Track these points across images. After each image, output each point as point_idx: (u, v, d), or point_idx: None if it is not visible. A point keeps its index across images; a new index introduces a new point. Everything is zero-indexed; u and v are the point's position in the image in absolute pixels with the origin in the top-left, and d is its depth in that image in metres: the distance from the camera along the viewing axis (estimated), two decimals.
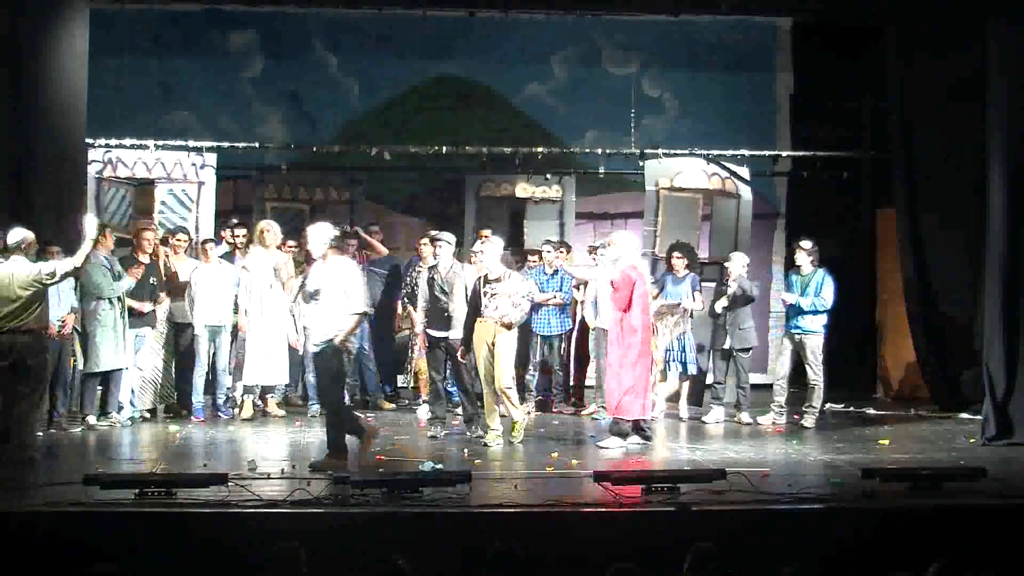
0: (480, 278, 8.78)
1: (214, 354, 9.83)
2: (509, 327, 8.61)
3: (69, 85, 9.35)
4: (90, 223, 7.91)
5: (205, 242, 10.16)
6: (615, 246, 8.63)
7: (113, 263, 9.33)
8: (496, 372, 8.59)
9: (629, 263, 8.54)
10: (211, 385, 9.92)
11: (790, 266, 10.57)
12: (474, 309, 8.68)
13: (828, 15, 12.00)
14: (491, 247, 8.84)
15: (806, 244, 9.90)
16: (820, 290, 9.65)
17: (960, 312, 10.63)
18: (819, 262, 9.84)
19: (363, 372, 10.70)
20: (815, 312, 9.66)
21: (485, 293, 8.63)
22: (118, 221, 10.67)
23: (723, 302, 9.88)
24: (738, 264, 9.99)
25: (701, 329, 10.20)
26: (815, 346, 9.68)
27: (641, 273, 8.70)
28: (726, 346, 9.95)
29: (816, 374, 9.65)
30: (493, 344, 8.60)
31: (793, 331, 9.76)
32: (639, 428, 8.51)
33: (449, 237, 9.13)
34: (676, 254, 10.10)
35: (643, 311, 8.49)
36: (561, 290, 10.52)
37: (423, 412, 10.13)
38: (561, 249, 10.77)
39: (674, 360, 9.97)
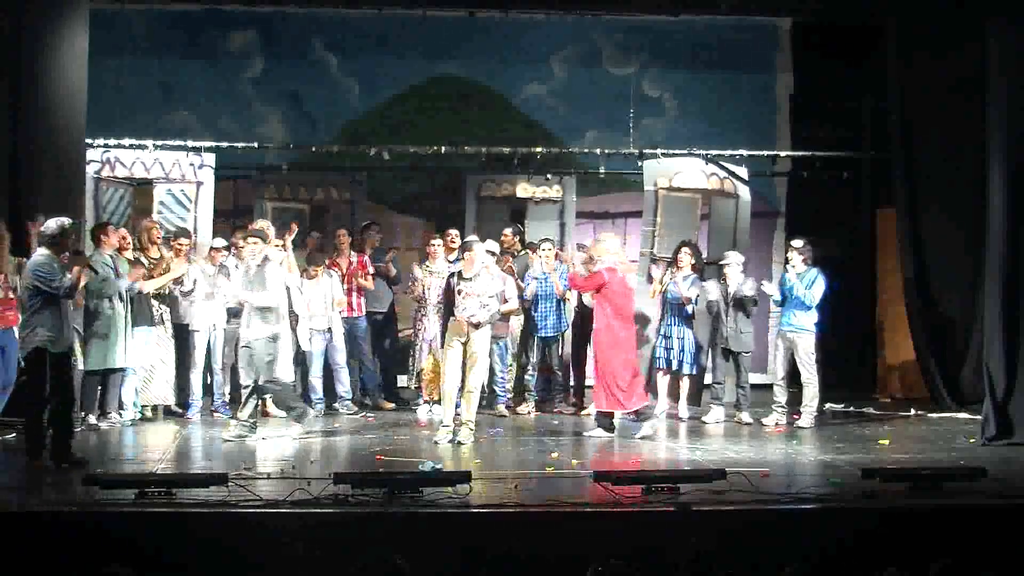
0: (454, 276, 8.79)
1: (210, 354, 9.85)
2: (477, 327, 8.64)
3: (69, 85, 9.35)
4: None
5: (215, 249, 10.14)
6: (600, 250, 9.16)
7: (117, 262, 9.32)
8: (468, 372, 8.63)
9: (606, 265, 8.96)
10: (209, 386, 9.93)
11: None
12: (447, 306, 8.74)
13: (828, 15, 12.03)
14: (481, 247, 8.90)
15: (797, 243, 9.97)
16: (811, 286, 9.65)
17: (960, 312, 10.63)
18: (812, 261, 9.85)
19: (363, 371, 10.72)
20: (805, 309, 9.66)
21: (459, 292, 8.65)
22: (116, 221, 10.65)
23: (710, 293, 9.93)
24: (735, 264, 9.99)
25: (700, 329, 10.21)
26: (807, 345, 9.68)
27: (622, 278, 9.09)
28: (725, 347, 9.95)
29: (810, 373, 9.66)
30: (467, 343, 8.63)
31: (786, 330, 9.77)
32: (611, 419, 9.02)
33: (262, 235, 8.97)
34: (685, 250, 10.14)
35: (627, 312, 9.05)
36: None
37: (423, 412, 10.15)
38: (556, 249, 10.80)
39: (675, 359, 10.01)
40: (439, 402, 10.19)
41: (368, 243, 10.92)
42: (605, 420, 9.06)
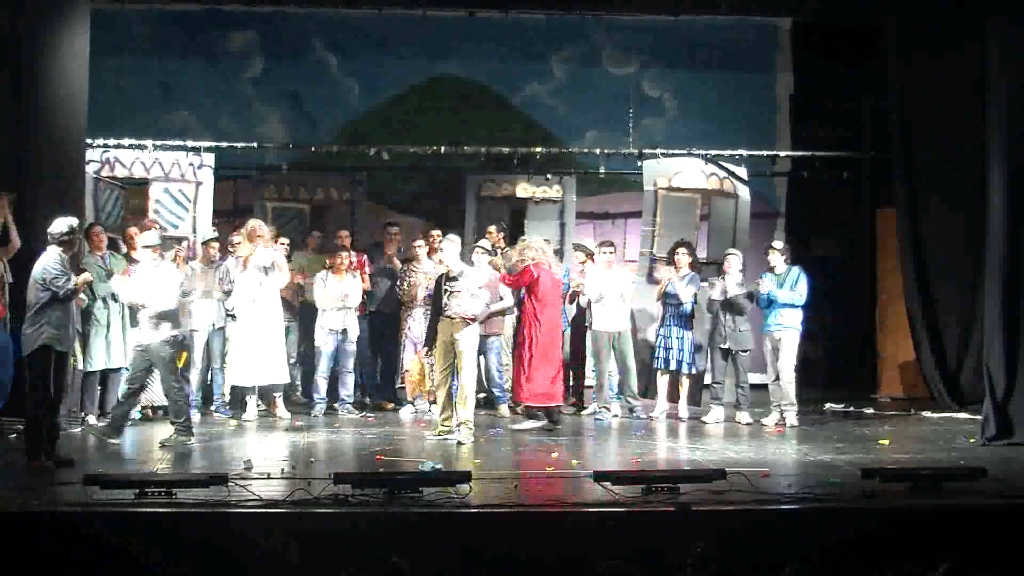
0: (441, 276, 8.88)
1: (209, 355, 9.86)
2: (474, 320, 8.75)
3: (69, 85, 9.35)
4: None
5: (206, 243, 10.15)
6: (527, 247, 9.50)
7: (112, 263, 9.32)
8: (460, 369, 8.69)
9: (533, 260, 9.24)
10: (208, 386, 9.93)
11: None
12: (436, 308, 8.82)
13: (828, 15, 12.03)
14: (450, 245, 8.94)
15: (778, 244, 10.05)
16: (795, 285, 9.67)
17: (960, 312, 10.64)
18: (792, 260, 9.89)
19: (363, 371, 10.72)
20: (792, 306, 9.68)
21: (445, 291, 8.74)
22: (112, 221, 10.66)
23: (714, 293, 9.91)
24: (735, 264, 10.00)
25: (699, 329, 10.21)
26: (790, 343, 9.70)
27: (548, 271, 9.31)
28: (724, 346, 9.95)
29: (788, 372, 9.66)
30: (454, 342, 8.66)
31: (772, 330, 9.77)
32: (551, 414, 9.33)
33: (149, 239, 8.63)
34: (682, 250, 10.14)
35: (552, 307, 9.33)
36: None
37: (406, 412, 10.15)
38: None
39: (674, 359, 10.02)
40: (431, 402, 10.22)
41: (386, 243, 10.92)
42: (542, 413, 9.30)
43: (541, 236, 11.20)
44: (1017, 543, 5.92)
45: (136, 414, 9.19)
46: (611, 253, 10.18)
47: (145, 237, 8.67)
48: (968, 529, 6.01)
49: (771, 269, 9.88)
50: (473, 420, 8.73)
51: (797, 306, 9.70)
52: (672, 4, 11.92)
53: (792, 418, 9.61)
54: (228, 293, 9.82)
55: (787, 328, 9.70)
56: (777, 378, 9.80)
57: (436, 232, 10.60)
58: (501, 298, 10.05)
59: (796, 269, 9.80)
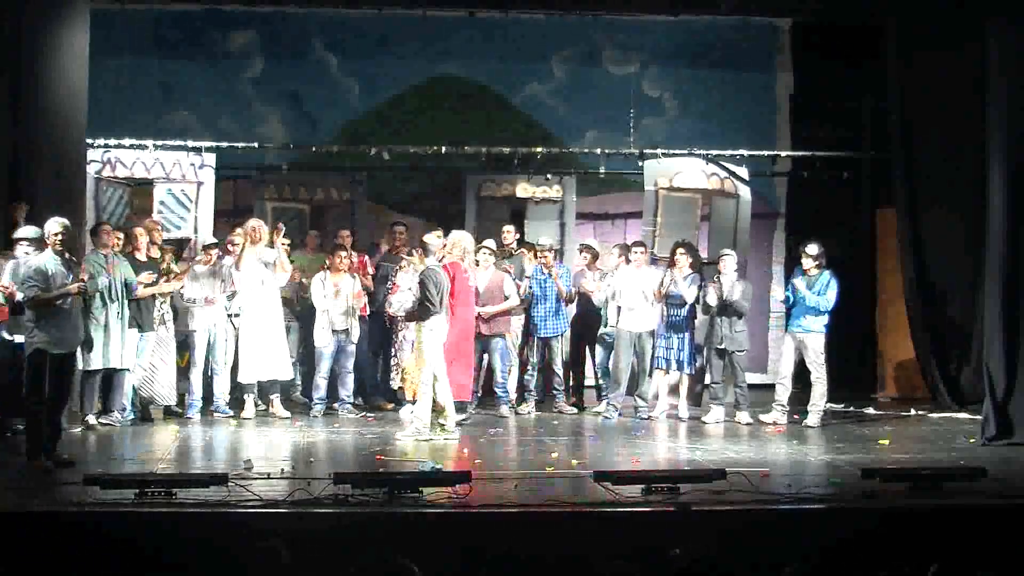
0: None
1: (208, 354, 9.86)
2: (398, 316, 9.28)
3: (69, 85, 9.35)
4: None
5: (207, 247, 10.13)
6: (455, 244, 9.31)
7: (113, 262, 9.30)
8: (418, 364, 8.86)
9: (451, 260, 9.18)
10: (208, 386, 9.94)
11: (790, 266, 10.58)
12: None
13: (828, 15, 12.03)
14: (432, 240, 9.17)
15: (812, 250, 9.84)
16: (824, 291, 9.66)
17: (960, 312, 10.64)
18: (825, 265, 9.85)
19: (363, 372, 10.72)
20: (817, 312, 9.66)
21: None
22: (116, 220, 10.65)
23: (712, 297, 9.86)
24: (731, 263, 9.98)
25: (699, 328, 10.20)
26: (817, 345, 9.68)
27: (463, 273, 9.24)
28: (720, 346, 9.93)
29: (819, 373, 9.67)
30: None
31: (796, 330, 9.76)
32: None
33: (26, 232, 8.19)
34: (680, 251, 10.12)
35: (462, 307, 9.23)
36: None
37: (405, 412, 10.15)
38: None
39: (674, 359, 10.02)
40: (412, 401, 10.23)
41: (392, 243, 10.92)
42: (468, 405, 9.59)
43: (541, 236, 11.26)
44: (1017, 543, 5.92)
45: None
46: (643, 253, 10.18)
47: (23, 231, 8.26)
48: (968, 529, 6.02)
49: (803, 272, 9.84)
50: (425, 419, 8.70)
51: (822, 311, 9.68)
52: (672, 4, 11.92)
53: (815, 418, 9.59)
54: (231, 296, 9.86)
55: (811, 332, 9.68)
56: (786, 376, 9.77)
57: (436, 233, 10.60)
58: (507, 297, 10.06)
59: (827, 274, 9.76)
